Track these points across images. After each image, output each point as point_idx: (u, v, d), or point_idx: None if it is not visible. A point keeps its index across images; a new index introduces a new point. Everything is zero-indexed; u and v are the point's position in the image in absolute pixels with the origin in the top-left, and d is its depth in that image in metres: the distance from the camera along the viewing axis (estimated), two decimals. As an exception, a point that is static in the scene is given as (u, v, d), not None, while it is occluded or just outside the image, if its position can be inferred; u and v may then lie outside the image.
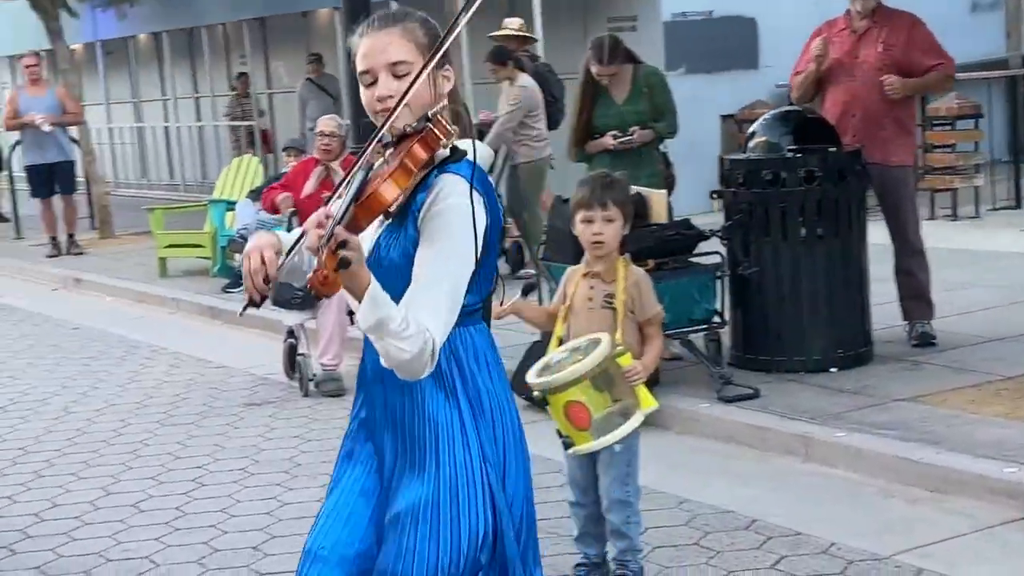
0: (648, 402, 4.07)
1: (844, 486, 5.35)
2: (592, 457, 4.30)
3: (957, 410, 5.83)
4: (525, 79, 10.40)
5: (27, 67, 13.68)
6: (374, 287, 2.41)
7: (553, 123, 10.70)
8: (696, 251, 6.71)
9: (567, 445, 4.06)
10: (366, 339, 2.58)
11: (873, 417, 5.82)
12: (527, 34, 11.32)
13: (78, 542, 5.34)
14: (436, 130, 2.52)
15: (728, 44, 13.02)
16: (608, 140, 7.25)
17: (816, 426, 5.77)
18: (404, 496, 2.63)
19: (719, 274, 6.59)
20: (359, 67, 2.63)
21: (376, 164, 2.58)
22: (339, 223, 2.40)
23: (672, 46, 12.79)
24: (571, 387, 3.94)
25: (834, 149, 6.69)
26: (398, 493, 2.65)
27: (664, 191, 6.99)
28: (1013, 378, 6.23)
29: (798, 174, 6.54)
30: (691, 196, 8.54)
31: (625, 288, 4.26)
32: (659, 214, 6.83)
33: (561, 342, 4.26)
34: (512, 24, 11.32)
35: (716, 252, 6.67)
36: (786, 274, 6.56)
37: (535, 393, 4.03)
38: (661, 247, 6.51)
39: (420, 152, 2.51)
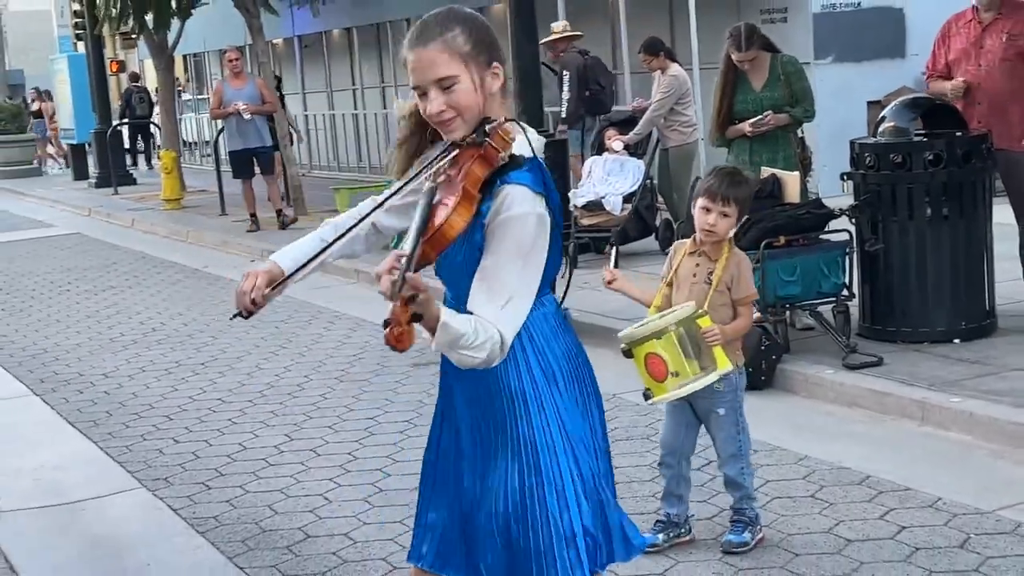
0: (724, 363, 4.17)
1: (956, 448, 5.40)
2: (687, 422, 4.47)
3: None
4: (676, 69, 10.54)
5: (230, 61, 14.27)
6: (445, 317, 2.43)
7: (603, 108, 11.49)
8: (826, 229, 6.78)
9: (647, 396, 4.20)
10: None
11: (989, 385, 5.83)
12: (572, 33, 12.02)
13: (263, 480, 5.72)
14: (494, 144, 2.50)
15: (876, 33, 12.86)
16: (746, 127, 7.34)
17: (934, 392, 5.81)
18: (490, 469, 2.71)
19: (848, 250, 6.64)
20: (411, 81, 2.60)
21: (436, 185, 2.54)
22: (408, 268, 2.33)
23: (821, 36, 12.70)
24: (652, 340, 4.09)
25: (960, 134, 6.67)
26: (484, 466, 2.74)
27: (797, 173, 7.06)
28: None
29: (925, 157, 6.53)
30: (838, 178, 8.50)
31: (726, 267, 4.36)
32: (792, 194, 6.92)
33: (659, 310, 4.41)
34: (556, 27, 12.08)
35: (845, 230, 6.73)
36: (912, 251, 6.57)
37: (622, 346, 4.19)
38: (792, 225, 6.60)
39: (479, 172, 2.50)
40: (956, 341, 6.54)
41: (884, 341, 6.61)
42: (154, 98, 23.93)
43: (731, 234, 4.43)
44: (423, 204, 2.50)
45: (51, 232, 17.08)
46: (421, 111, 2.63)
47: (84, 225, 17.58)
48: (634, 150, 10.53)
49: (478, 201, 2.51)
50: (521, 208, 2.53)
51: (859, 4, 12.90)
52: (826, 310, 6.71)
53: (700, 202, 4.42)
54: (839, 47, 12.76)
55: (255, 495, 5.51)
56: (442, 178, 2.55)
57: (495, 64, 2.62)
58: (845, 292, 6.65)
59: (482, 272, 2.55)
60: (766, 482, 5.14)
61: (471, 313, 2.52)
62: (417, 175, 2.58)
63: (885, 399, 5.92)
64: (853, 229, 6.75)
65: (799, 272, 6.54)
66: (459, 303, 2.60)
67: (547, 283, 2.70)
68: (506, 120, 2.59)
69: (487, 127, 2.54)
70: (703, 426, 4.53)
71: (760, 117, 7.27)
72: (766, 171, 7.12)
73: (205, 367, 8.13)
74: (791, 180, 6.96)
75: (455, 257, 2.62)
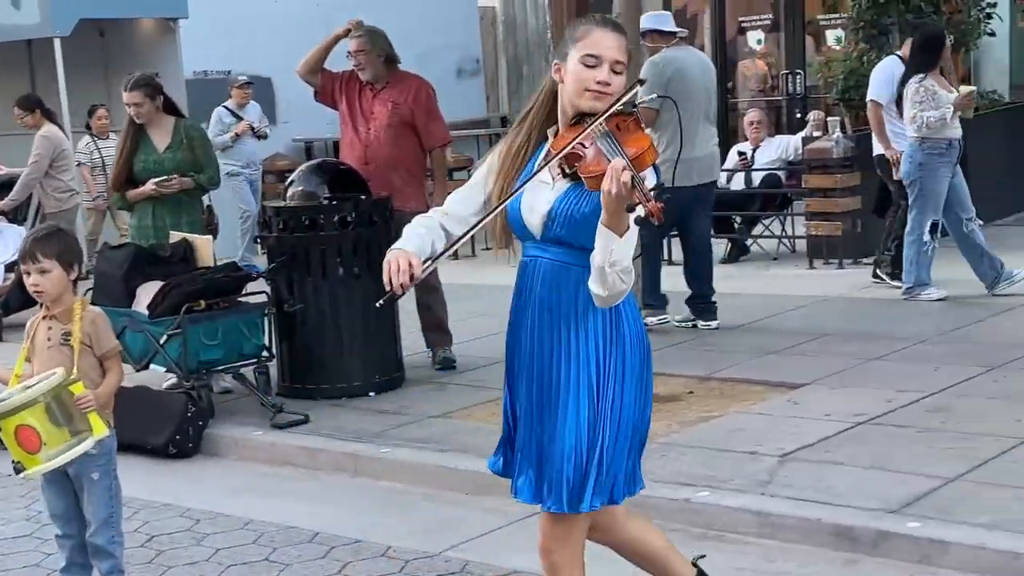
0: (99, 429, 4.06)
1: (392, 495, 5.58)
2: (71, 488, 4.23)
3: (481, 422, 6.20)
4: (50, 129, 10.04)
5: None
6: (632, 229, 2.90)
7: None
8: (244, 291, 6.77)
9: (18, 470, 3.99)
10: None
11: (412, 433, 6.10)
12: None
13: None
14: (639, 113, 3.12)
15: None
16: (149, 187, 7.11)
17: (363, 444, 5.98)
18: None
19: (266, 312, 6.68)
20: (590, 50, 3.04)
21: (599, 136, 3.03)
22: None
23: (194, 102, 12.65)
24: (21, 411, 3.92)
25: (364, 197, 6.96)
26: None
27: (209, 237, 7.00)
28: (523, 393, 6.71)
29: (334, 219, 6.75)
30: (223, 240, 8.49)
31: (82, 327, 4.18)
32: (205, 258, 6.86)
33: (20, 380, 4.15)
34: None
35: (263, 291, 6.77)
36: (327, 309, 6.75)
37: None
38: (212, 288, 6.52)
39: (635, 128, 3.06)
40: (372, 394, 6.79)
41: (306, 399, 6.70)
42: None
43: (70, 291, 4.20)
44: (610, 141, 3.01)
45: None
46: (581, 77, 3.06)
47: None
48: (13, 216, 9.85)
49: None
50: None
51: (230, 72, 13.06)
52: (248, 371, 6.68)
53: (23, 268, 4.23)
54: (211, 112, 12.82)
55: None
56: (603, 129, 3.04)
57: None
58: (265, 353, 6.67)
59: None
60: (216, 551, 5.00)
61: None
62: (546, 156, 3.12)
63: (318, 455, 6.00)
64: (270, 290, 6.79)
65: (221, 335, 6.47)
66: (569, 255, 3.11)
67: None
68: None
69: (636, 102, 3.15)
70: None
71: (167, 177, 7.08)
72: (176, 235, 6.98)
73: None
74: (203, 244, 6.88)
75: (581, 208, 3.06)
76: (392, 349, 7.00)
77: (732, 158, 11.15)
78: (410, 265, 3.08)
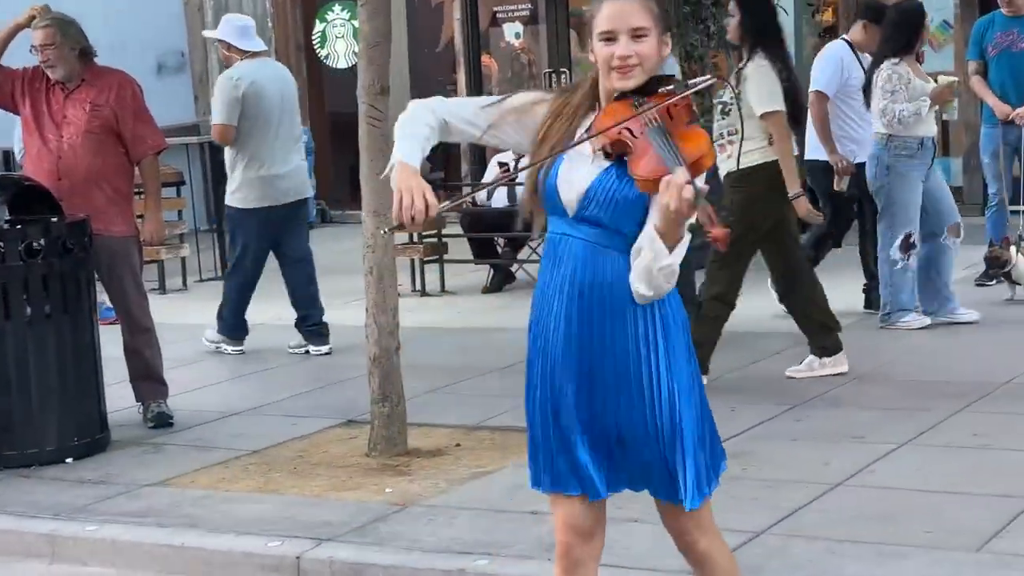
0: None
1: (101, 583, 5.49)
2: None
3: (209, 490, 6.16)
4: None
5: None
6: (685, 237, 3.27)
7: None
8: (-96, 338, 6.53)
9: None
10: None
11: (124, 506, 6.00)
12: None
13: None
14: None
15: None
16: None
17: (61, 522, 5.85)
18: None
19: (-68, 363, 6.46)
20: (602, 27, 3.38)
21: (659, 125, 3.30)
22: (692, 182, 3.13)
23: None
24: None
25: (57, 219, 6.80)
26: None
27: None
28: (258, 451, 6.70)
29: (18, 247, 6.58)
30: None
31: None
32: None
33: None
34: None
35: (-72, 338, 6.53)
36: (12, 358, 6.58)
37: None
38: None
39: (686, 117, 3.35)
40: (70, 460, 6.66)
41: (-15, 469, 6.53)
42: None
43: None
44: (663, 138, 3.28)
45: None
46: (601, 56, 3.41)
47: None
48: None
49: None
50: None
51: None
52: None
53: None
54: None
55: None
56: (656, 122, 3.32)
57: (667, 34, 3.44)
58: (-68, 414, 6.45)
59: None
60: None
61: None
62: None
63: (5, 538, 5.85)
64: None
65: None
66: (604, 237, 3.41)
67: None
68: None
69: (685, 81, 3.41)
70: None
71: None
72: None
73: None
74: None
75: (624, 191, 3.36)
76: (94, 404, 6.87)
77: (492, 170, 11.40)
78: (426, 203, 3.32)
